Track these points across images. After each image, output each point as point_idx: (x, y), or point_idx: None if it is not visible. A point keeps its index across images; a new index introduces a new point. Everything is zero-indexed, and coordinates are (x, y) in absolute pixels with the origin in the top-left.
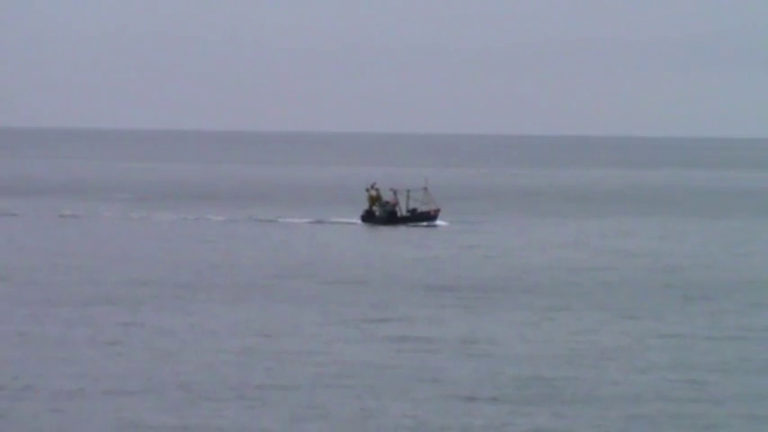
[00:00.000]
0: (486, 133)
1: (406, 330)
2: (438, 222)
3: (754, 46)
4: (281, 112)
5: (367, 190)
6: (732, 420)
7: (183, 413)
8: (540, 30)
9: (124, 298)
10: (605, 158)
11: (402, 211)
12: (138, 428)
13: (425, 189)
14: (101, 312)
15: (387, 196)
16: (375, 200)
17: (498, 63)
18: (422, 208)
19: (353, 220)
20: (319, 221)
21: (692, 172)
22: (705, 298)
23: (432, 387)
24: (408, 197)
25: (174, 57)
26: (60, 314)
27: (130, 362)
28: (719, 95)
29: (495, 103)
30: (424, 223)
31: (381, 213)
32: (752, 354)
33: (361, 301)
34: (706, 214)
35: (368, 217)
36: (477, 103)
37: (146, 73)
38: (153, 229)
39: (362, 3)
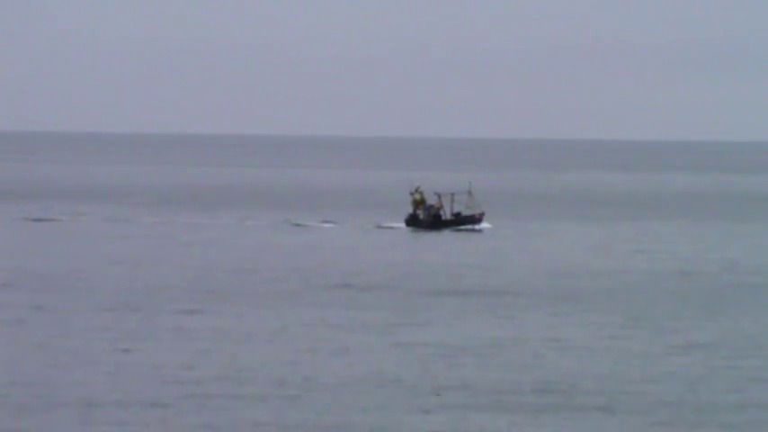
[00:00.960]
0: (485, 137)
1: (430, 336)
2: (483, 225)
3: (744, 52)
4: (294, 117)
5: (411, 193)
6: (754, 428)
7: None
8: (537, 34)
9: (160, 303)
10: (621, 162)
11: (447, 214)
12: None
13: (470, 192)
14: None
15: (431, 200)
16: (420, 203)
17: (506, 66)
18: (466, 211)
19: (398, 224)
20: (362, 226)
21: (703, 176)
22: (729, 304)
23: (455, 393)
24: (453, 200)
25: (182, 61)
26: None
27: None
28: (724, 100)
29: (494, 107)
30: (469, 226)
31: (426, 217)
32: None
33: (396, 306)
34: (727, 218)
35: (412, 221)
36: (473, 108)
37: (156, 77)
38: (180, 233)
39: (370, 7)
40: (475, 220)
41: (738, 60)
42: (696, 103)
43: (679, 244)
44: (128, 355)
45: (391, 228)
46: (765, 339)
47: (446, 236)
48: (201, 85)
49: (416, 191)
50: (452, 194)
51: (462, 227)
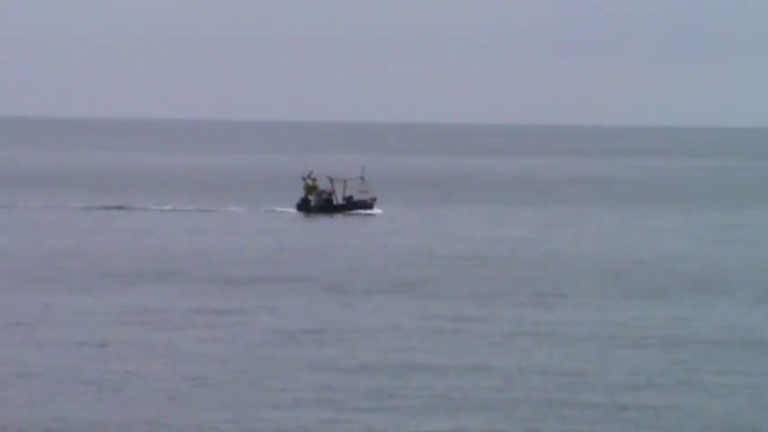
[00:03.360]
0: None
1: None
2: (375, 210)
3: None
4: (271, 101)
5: (304, 178)
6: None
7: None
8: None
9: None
10: (533, 146)
11: (338, 199)
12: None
13: (362, 177)
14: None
15: (324, 184)
16: (312, 189)
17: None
18: (358, 196)
19: (289, 209)
20: (254, 210)
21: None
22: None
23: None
24: (346, 185)
25: (168, 48)
26: None
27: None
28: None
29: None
30: (361, 211)
31: (317, 202)
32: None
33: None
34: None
35: (303, 205)
36: (373, 91)
37: (145, 65)
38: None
39: None
40: (366, 205)
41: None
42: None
43: (554, 229)
44: None
45: (279, 212)
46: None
47: (319, 220)
48: (178, 72)
49: (309, 176)
50: (345, 179)
51: (353, 212)
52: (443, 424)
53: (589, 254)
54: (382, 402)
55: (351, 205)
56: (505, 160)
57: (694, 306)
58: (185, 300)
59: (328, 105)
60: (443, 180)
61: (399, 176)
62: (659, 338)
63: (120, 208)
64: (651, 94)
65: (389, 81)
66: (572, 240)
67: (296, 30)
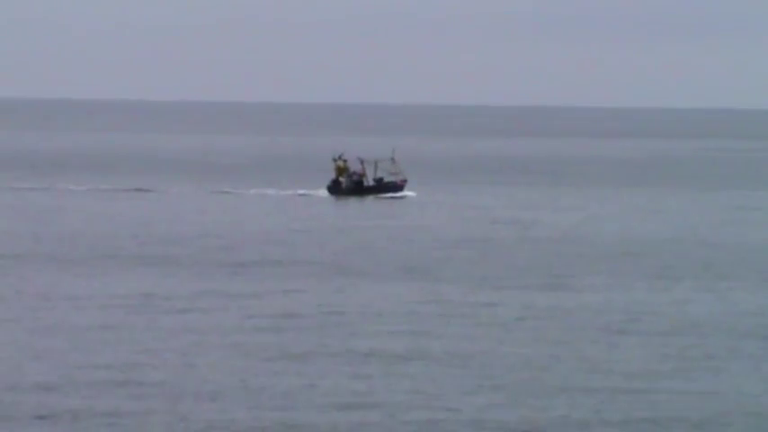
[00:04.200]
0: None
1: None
2: (406, 192)
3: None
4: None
5: (334, 160)
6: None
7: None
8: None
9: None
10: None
11: (369, 181)
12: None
13: (393, 159)
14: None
15: (355, 166)
16: (343, 170)
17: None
18: (388, 178)
19: (320, 191)
20: (283, 192)
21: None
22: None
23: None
24: (376, 167)
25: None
26: None
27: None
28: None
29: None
30: (391, 194)
31: (347, 184)
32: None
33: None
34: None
35: (334, 187)
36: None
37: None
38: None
39: None
40: (397, 187)
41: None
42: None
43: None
44: None
45: (311, 195)
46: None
47: (349, 203)
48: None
49: (339, 158)
50: (376, 161)
51: (384, 194)
52: (451, 408)
53: (615, 235)
54: (392, 385)
55: (381, 187)
56: (529, 141)
57: (705, 289)
58: (196, 283)
59: (339, 87)
60: (476, 162)
61: (430, 158)
62: (666, 323)
63: (138, 190)
64: (645, 76)
65: (399, 62)
66: (591, 222)
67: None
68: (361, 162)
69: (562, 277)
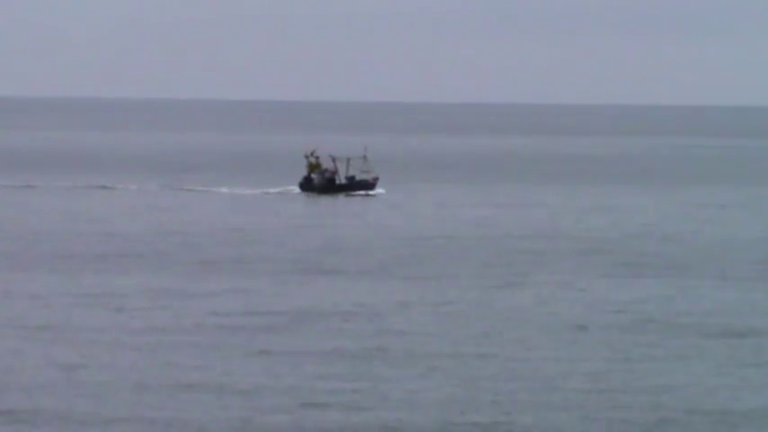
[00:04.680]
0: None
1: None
2: (377, 191)
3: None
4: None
5: (306, 157)
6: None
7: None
8: None
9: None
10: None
11: (341, 178)
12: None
13: (365, 156)
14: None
15: (327, 163)
16: (315, 167)
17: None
18: (361, 176)
19: (291, 188)
20: (253, 190)
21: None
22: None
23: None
24: (348, 164)
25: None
26: None
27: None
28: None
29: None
30: (363, 192)
31: (319, 181)
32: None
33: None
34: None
35: (306, 184)
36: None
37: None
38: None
39: None
40: (369, 185)
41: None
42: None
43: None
44: None
45: (283, 192)
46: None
47: (319, 200)
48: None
49: (312, 154)
50: (348, 158)
51: (356, 192)
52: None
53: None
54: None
55: (353, 185)
56: (506, 139)
57: (678, 286)
58: (157, 281)
59: (323, 85)
60: (448, 160)
61: (401, 156)
62: (629, 319)
63: (102, 188)
64: (629, 72)
65: (380, 60)
66: (560, 219)
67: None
68: (333, 160)
69: (522, 275)
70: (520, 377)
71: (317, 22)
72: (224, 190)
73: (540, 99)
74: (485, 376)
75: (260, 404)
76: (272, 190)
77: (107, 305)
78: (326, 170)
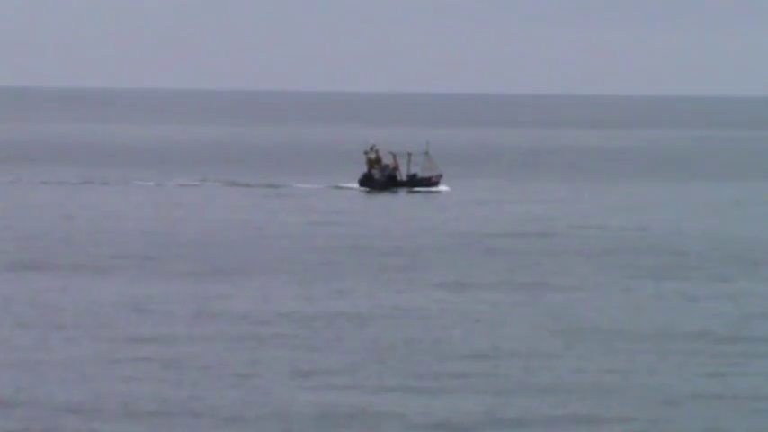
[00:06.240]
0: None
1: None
2: (440, 188)
3: None
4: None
5: (365, 152)
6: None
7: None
8: None
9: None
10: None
11: (402, 175)
12: None
13: (427, 153)
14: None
15: (386, 159)
16: (375, 163)
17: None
18: (423, 173)
19: (351, 185)
20: (311, 185)
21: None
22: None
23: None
24: (409, 161)
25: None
26: None
27: None
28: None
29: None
30: (425, 189)
31: (380, 177)
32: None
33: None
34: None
35: (366, 181)
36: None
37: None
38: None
39: None
40: (431, 182)
41: None
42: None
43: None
44: None
45: (344, 188)
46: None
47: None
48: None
49: (371, 149)
50: (409, 154)
51: (418, 189)
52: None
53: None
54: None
55: (415, 182)
56: (580, 132)
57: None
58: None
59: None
60: (514, 154)
61: (464, 151)
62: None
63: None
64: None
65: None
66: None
67: None
68: (394, 156)
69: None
70: (507, 375)
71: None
72: (289, 185)
73: (554, 90)
74: (471, 376)
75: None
76: (331, 185)
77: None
78: (387, 166)
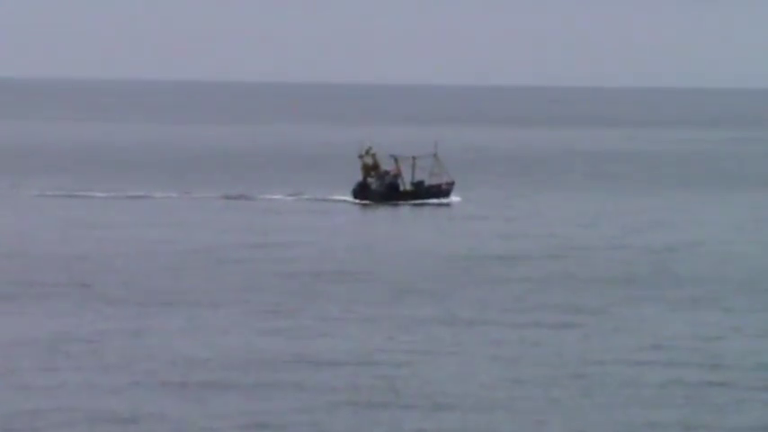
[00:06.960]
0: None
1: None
2: (451, 198)
3: None
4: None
5: (361, 156)
6: None
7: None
8: None
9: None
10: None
11: (405, 183)
12: None
13: (435, 155)
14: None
15: (387, 164)
16: (371, 169)
17: None
18: (431, 180)
19: (343, 197)
20: (298, 197)
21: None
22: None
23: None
24: (414, 165)
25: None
26: None
27: None
28: None
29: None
30: (434, 200)
31: (378, 187)
32: None
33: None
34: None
35: (361, 191)
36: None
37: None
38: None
39: None
40: (441, 191)
41: None
42: None
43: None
44: None
45: (335, 201)
46: None
47: (405, 211)
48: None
49: (367, 153)
50: (414, 158)
51: (425, 200)
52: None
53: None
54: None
55: (422, 192)
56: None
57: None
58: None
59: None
60: (525, 158)
61: (474, 152)
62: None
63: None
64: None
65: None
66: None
67: None
68: (395, 160)
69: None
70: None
71: None
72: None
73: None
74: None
75: None
76: (318, 197)
77: None
78: (387, 173)
